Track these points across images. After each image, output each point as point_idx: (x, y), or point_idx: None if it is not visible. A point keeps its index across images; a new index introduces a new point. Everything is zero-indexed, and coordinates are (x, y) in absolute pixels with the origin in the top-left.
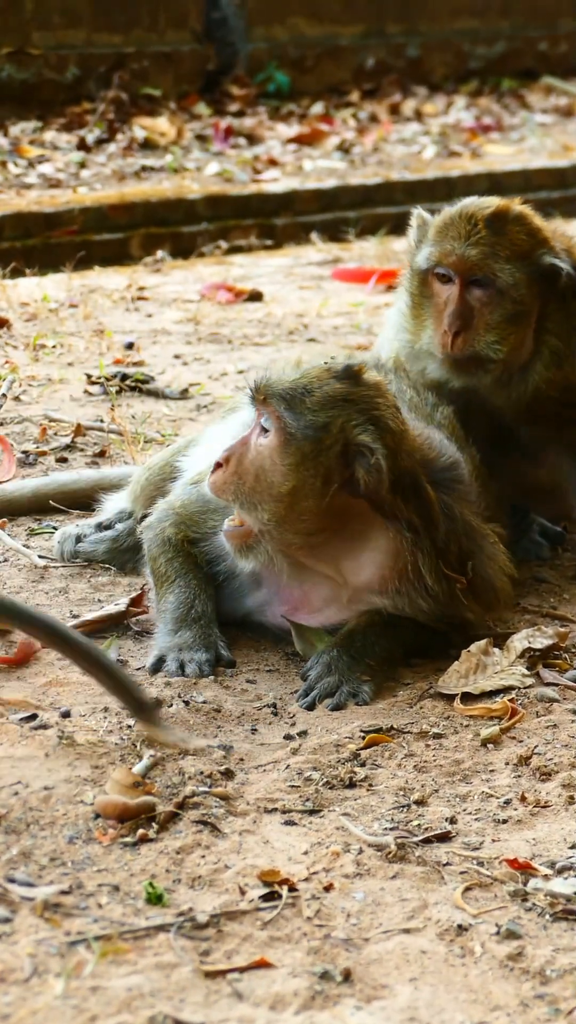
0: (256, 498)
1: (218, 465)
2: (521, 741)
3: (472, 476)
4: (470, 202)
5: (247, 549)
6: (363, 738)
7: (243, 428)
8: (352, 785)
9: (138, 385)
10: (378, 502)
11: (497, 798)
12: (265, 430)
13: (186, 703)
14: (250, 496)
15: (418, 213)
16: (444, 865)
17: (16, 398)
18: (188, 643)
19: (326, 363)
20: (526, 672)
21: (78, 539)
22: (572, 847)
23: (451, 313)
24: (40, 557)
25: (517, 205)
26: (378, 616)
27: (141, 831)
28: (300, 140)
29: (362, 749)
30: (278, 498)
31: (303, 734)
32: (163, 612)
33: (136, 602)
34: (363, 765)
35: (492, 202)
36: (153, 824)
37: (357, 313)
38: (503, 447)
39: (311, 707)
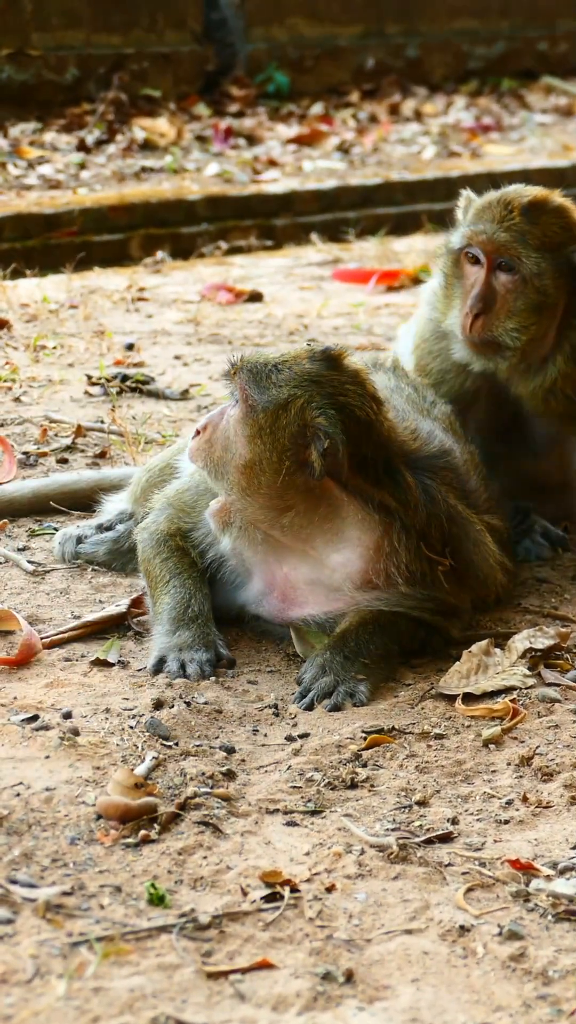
0: (222, 467)
1: (197, 432)
2: (523, 741)
3: (468, 466)
4: (513, 189)
5: (227, 525)
6: (365, 739)
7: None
8: (354, 786)
9: (138, 386)
10: (344, 484)
11: (499, 799)
12: (235, 404)
13: (187, 704)
14: (217, 464)
15: (466, 194)
16: (446, 866)
17: (16, 399)
18: (187, 643)
19: (308, 344)
20: (528, 672)
21: (79, 540)
22: (574, 847)
23: (475, 295)
24: (29, 563)
25: (558, 197)
26: (370, 615)
27: (143, 832)
28: (300, 141)
29: (364, 750)
30: (239, 468)
31: (305, 735)
32: (159, 614)
33: (137, 603)
34: (365, 766)
35: (533, 191)
36: (155, 825)
37: (357, 314)
38: (513, 440)
39: (310, 708)
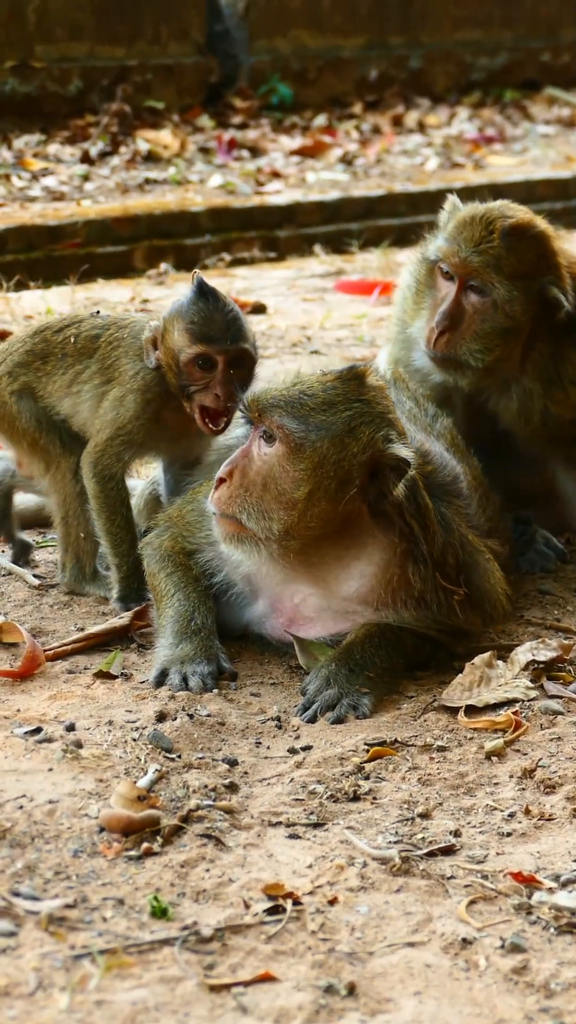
0: (265, 507)
1: (220, 481)
2: (525, 754)
3: (472, 489)
4: (497, 207)
5: (237, 540)
6: (367, 751)
7: (239, 443)
8: (356, 798)
9: None
10: (380, 509)
11: (501, 811)
12: (267, 441)
13: (190, 716)
14: (259, 506)
15: (452, 200)
16: (448, 878)
17: None
18: (189, 655)
19: (321, 372)
20: (530, 685)
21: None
22: None
23: (442, 312)
24: (35, 576)
25: (541, 223)
26: (376, 628)
27: (146, 845)
28: (303, 152)
29: (366, 762)
30: (291, 504)
31: (307, 747)
32: (163, 626)
33: (140, 615)
34: (367, 778)
35: (516, 213)
36: (158, 838)
37: (360, 325)
38: (495, 453)
39: (312, 720)
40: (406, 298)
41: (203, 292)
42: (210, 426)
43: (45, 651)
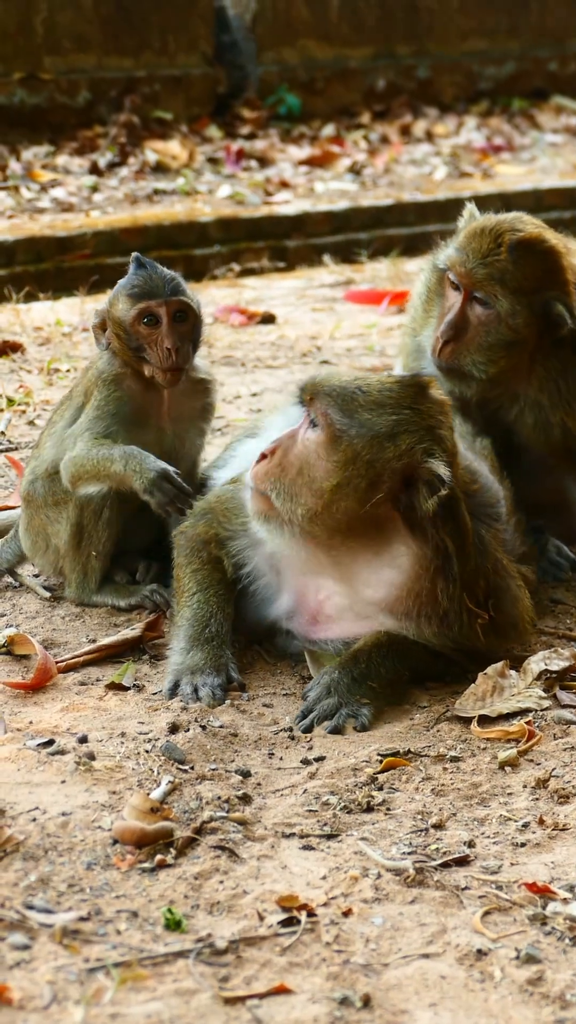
0: (295, 490)
1: (263, 456)
2: (539, 764)
3: (509, 513)
4: (508, 220)
5: (265, 518)
6: (380, 762)
7: (288, 425)
8: (370, 809)
9: None
10: (415, 520)
11: (515, 821)
12: (312, 427)
13: (203, 728)
14: (289, 488)
15: (470, 208)
16: (463, 889)
17: (30, 422)
18: (199, 665)
19: (388, 373)
20: (543, 694)
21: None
22: None
23: (448, 322)
24: (44, 588)
25: (552, 239)
26: (385, 637)
27: (159, 857)
28: (311, 162)
29: (379, 773)
30: (318, 493)
31: (320, 758)
32: (179, 627)
33: (152, 626)
34: (381, 789)
35: (526, 227)
36: (171, 849)
37: (370, 335)
38: (513, 463)
39: (308, 729)
40: (416, 306)
41: (141, 263)
42: (169, 378)
43: (57, 663)
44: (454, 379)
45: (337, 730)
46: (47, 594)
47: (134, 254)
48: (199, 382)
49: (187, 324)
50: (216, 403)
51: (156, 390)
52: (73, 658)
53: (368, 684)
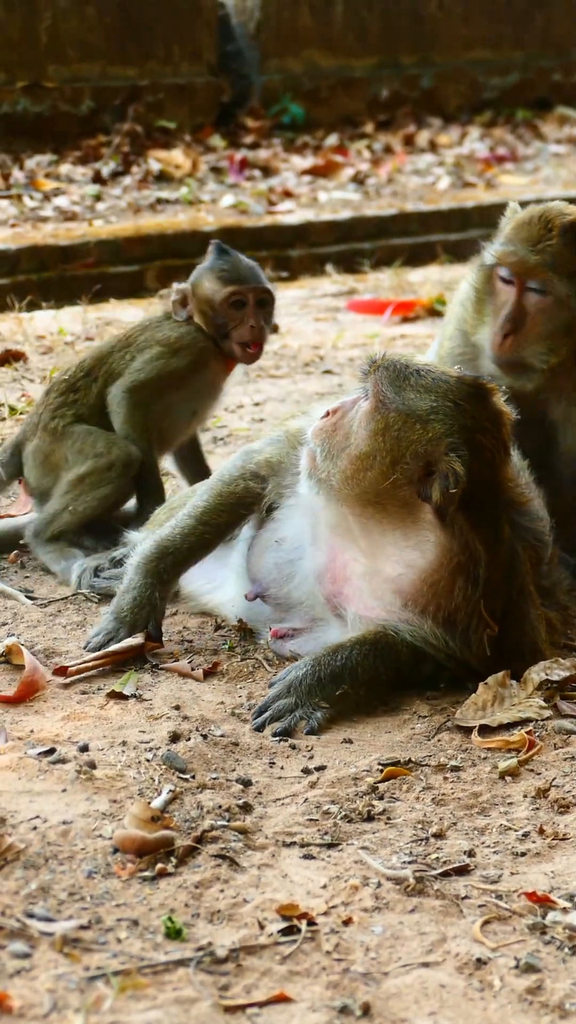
0: (335, 451)
1: (326, 414)
2: (539, 773)
3: (549, 540)
4: (555, 206)
5: (309, 473)
6: (381, 771)
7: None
8: (370, 818)
9: None
10: (442, 514)
11: (515, 831)
12: (367, 397)
13: (204, 736)
14: (332, 447)
15: (513, 205)
16: (463, 898)
17: None
18: (128, 604)
19: (458, 367)
20: (543, 704)
21: (95, 572)
22: None
23: (505, 315)
24: (29, 598)
25: None
26: (372, 635)
27: (160, 865)
28: (315, 172)
29: (380, 782)
30: (351, 459)
31: (321, 767)
32: (149, 535)
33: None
34: (381, 798)
35: (574, 211)
36: (172, 858)
37: (373, 344)
38: (537, 464)
39: (259, 728)
40: (466, 309)
41: (223, 250)
42: (250, 354)
43: (65, 668)
44: (515, 373)
45: (286, 732)
46: (28, 602)
47: (215, 241)
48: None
49: (267, 309)
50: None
51: (223, 364)
52: (83, 663)
53: (337, 684)
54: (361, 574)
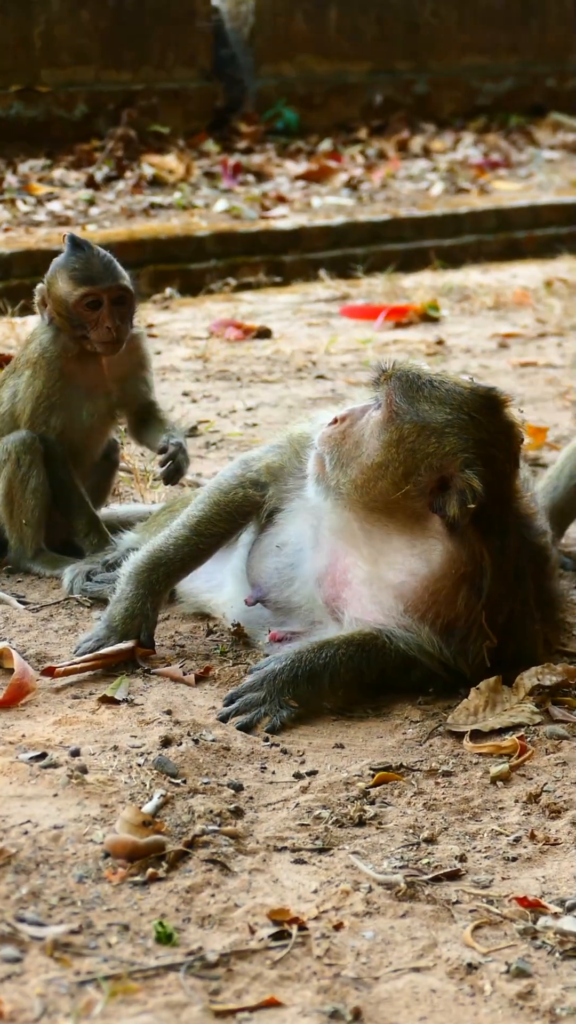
0: (346, 460)
1: (334, 421)
2: (531, 778)
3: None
4: None
5: (317, 479)
6: (373, 776)
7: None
8: (362, 823)
9: None
10: (456, 528)
11: (507, 836)
12: (380, 406)
13: (195, 741)
14: (342, 456)
15: None
16: (454, 903)
17: None
18: (126, 614)
19: (470, 377)
20: (535, 709)
21: (88, 576)
22: None
23: None
24: (21, 602)
25: None
26: (361, 636)
27: (151, 870)
28: (308, 177)
29: (371, 787)
30: (363, 468)
31: (312, 772)
32: (146, 542)
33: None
34: (373, 803)
35: None
36: (163, 863)
37: (366, 350)
38: None
39: (224, 719)
40: None
41: (77, 243)
42: (108, 349)
43: (54, 669)
44: None
45: (246, 727)
46: (20, 607)
47: (69, 233)
48: (130, 339)
49: (125, 306)
50: (149, 351)
51: (95, 358)
52: (71, 665)
53: (313, 683)
54: (362, 579)
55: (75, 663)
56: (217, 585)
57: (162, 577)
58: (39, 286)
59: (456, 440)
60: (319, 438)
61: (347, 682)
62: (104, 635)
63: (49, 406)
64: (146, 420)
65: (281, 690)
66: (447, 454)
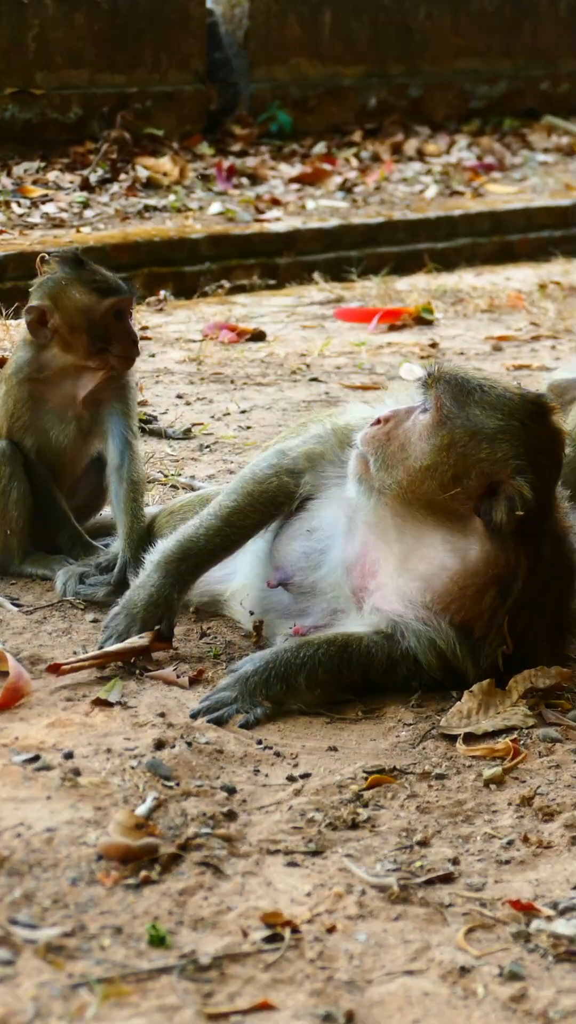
0: (392, 461)
1: (377, 421)
2: (524, 781)
3: None
4: None
5: (359, 479)
6: (366, 779)
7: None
8: (355, 826)
9: (141, 425)
10: (499, 532)
11: (500, 839)
12: (427, 409)
13: (189, 744)
14: (388, 458)
15: None
16: (447, 906)
17: None
18: (147, 600)
19: (517, 383)
20: (528, 712)
21: (81, 579)
22: (575, 888)
23: None
24: (15, 605)
25: None
26: (343, 638)
27: (144, 873)
28: (302, 180)
29: (365, 790)
30: (410, 471)
31: (306, 775)
32: (165, 540)
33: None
34: (366, 806)
35: None
36: (156, 866)
37: (360, 353)
38: None
39: (194, 716)
40: None
41: (80, 260)
42: (127, 364)
43: (59, 666)
44: None
45: (218, 721)
46: (14, 609)
47: (65, 251)
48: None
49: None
50: (132, 383)
51: (71, 381)
52: (78, 661)
53: (287, 683)
54: (391, 571)
55: (82, 660)
56: (230, 573)
57: (191, 567)
58: (33, 304)
59: (508, 447)
60: (362, 438)
61: (324, 682)
62: (124, 624)
63: (21, 425)
64: (119, 475)
65: (254, 692)
66: (499, 460)
